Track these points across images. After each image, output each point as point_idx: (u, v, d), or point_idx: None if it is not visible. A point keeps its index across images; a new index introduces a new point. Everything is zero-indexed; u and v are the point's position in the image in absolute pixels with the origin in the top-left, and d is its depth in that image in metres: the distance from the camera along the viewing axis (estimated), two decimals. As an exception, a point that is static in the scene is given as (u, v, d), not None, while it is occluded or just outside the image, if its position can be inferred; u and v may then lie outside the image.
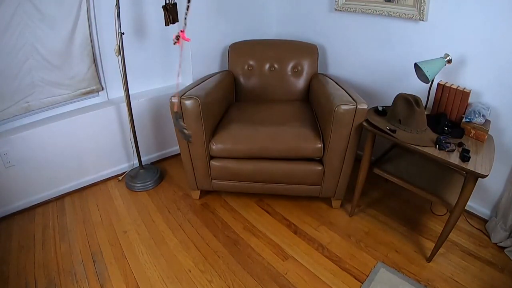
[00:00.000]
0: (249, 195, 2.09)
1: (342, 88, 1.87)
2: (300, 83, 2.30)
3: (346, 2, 2.17)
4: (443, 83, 1.70)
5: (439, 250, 1.62)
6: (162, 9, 1.90)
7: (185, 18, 1.34)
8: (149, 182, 2.21)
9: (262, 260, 1.66)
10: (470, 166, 1.35)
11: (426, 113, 1.62)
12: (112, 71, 2.10)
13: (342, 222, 1.92)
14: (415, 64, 1.68)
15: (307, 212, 2.00)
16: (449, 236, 1.59)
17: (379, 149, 1.91)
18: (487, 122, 1.62)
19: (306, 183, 1.89)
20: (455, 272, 1.60)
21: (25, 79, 1.83)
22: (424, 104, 1.68)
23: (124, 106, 2.12)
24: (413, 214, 1.99)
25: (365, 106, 1.63)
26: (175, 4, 1.93)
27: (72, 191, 2.17)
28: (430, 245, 1.72)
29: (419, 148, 1.47)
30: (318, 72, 2.32)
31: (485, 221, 1.91)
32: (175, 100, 1.69)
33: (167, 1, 1.89)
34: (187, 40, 1.36)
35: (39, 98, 1.93)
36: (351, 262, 1.65)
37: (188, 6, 1.31)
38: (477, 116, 1.57)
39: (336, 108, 1.62)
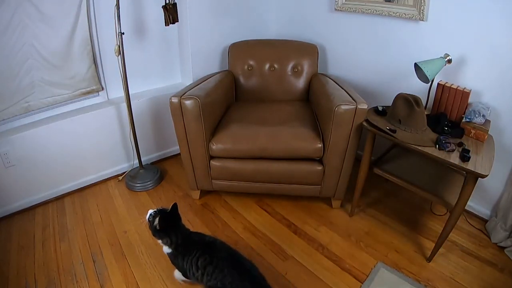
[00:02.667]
0: (249, 195, 2.09)
1: (342, 88, 1.87)
2: (300, 83, 2.30)
3: (346, 2, 2.17)
4: (443, 83, 1.70)
5: (439, 250, 1.62)
6: (162, 9, 1.90)
7: None
8: (149, 182, 2.21)
9: (262, 260, 1.66)
10: (470, 166, 1.35)
11: (426, 113, 1.62)
12: (112, 71, 2.10)
13: (342, 222, 1.92)
14: (415, 64, 1.68)
15: (307, 212, 2.00)
16: (449, 236, 1.60)
17: (379, 149, 1.91)
18: (487, 122, 1.62)
19: (306, 183, 1.89)
20: (455, 272, 1.60)
21: (25, 79, 1.83)
22: (424, 104, 1.68)
23: (124, 106, 2.12)
24: (413, 214, 1.99)
25: (365, 106, 1.63)
26: (175, 4, 1.93)
27: (72, 191, 2.17)
28: (430, 245, 1.72)
29: (419, 148, 1.47)
30: (318, 72, 2.32)
31: (485, 221, 1.91)
32: (175, 100, 1.70)
33: (167, 1, 1.89)
34: None
35: (39, 98, 1.93)
36: (351, 262, 1.65)
37: None
38: (477, 116, 1.57)
39: (336, 108, 1.62)
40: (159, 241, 1.37)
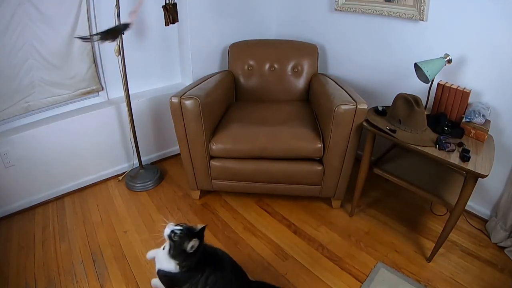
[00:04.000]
0: (249, 195, 2.09)
1: (342, 88, 1.87)
2: (300, 83, 2.30)
3: (346, 2, 2.17)
4: (443, 83, 1.70)
5: (439, 250, 1.62)
6: (162, 9, 1.91)
7: None
8: (149, 182, 2.21)
9: (262, 260, 1.66)
10: (470, 166, 1.35)
11: (426, 113, 1.62)
12: (112, 71, 2.10)
13: (342, 222, 1.92)
14: (415, 64, 1.68)
15: (307, 212, 2.00)
16: (449, 236, 1.60)
17: (379, 149, 1.91)
18: (487, 122, 1.62)
19: (306, 183, 1.89)
20: (455, 272, 1.60)
21: (25, 79, 1.83)
22: (424, 104, 1.68)
23: (124, 106, 2.12)
24: (413, 214, 1.99)
25: (365, 106, 1.63)
26: (175, 4, 1.94)
27: (72, 191, 2.17)
28: (430, 245, 1.72)
29: (419, 148, 1.47)
30: (318, 72, 2.32)
31: (485, 221, 1.91)
32: (175, 100, 1.70)
33: (167, 1, 1.89)
34: None
35: (39, 98, 1.92)
36: (351, 262, 1.65)
37: None
38: (477, 116, 1.57)
39: (336, 108, 1.62)
40: (172, 261, 1.17)
